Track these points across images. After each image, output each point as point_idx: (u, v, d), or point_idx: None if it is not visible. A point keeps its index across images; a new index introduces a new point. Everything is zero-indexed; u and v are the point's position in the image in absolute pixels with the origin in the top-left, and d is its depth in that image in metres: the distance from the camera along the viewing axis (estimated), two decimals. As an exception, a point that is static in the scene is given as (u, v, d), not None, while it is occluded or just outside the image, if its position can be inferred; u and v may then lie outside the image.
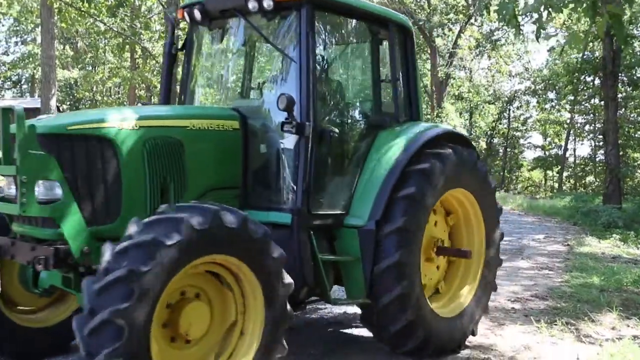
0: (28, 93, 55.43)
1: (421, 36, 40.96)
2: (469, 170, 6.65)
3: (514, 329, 7.61)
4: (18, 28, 51.55)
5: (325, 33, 6.72)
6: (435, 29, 40.51)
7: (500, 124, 52.24)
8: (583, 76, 36.78)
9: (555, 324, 7.66)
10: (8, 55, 57.40)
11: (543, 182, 54.25)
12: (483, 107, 50.46)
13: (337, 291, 7.02)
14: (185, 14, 6.35)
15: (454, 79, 46.10)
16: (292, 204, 5.62)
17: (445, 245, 6.80)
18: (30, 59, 46.74)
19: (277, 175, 5.99)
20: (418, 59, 42.81)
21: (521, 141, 54.00)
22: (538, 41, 7.37)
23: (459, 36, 41.19)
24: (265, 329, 4.80)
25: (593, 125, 46.63)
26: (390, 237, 5.79)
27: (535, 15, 6.94)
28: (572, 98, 42.06)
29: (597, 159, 45.58)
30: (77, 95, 50.08)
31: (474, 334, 6.83)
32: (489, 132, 52.16)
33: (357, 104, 7.38)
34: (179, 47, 6.83)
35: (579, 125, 48.21)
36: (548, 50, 41.30)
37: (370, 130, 6.58)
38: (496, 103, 50.62)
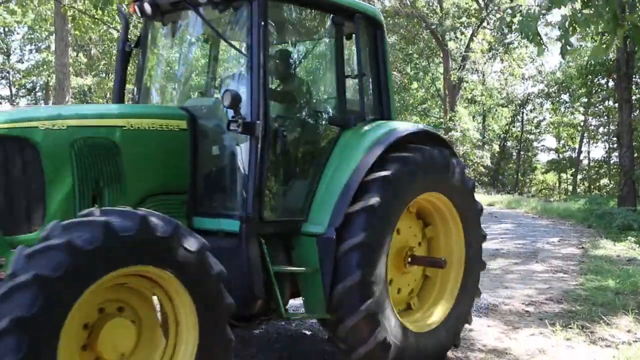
0: (42, 100, 55.75)
1: (434, 40, 40.95)
2: (441, 172, 6.15)
3: (528, 332, 7.59)
4: (32, 36, 51.87)
5: (282, 25, 6.45)
6: (447, 33, 40.43)
7: (513, 127, 52.08)
8: (597, 78, 36.61)
9: (570, 327, 7.64)
10: (23, 62, 57.81)
11: (557, 184, 54.02)
12: (496, 110, 50.24)
13: (301, 307, 6.62)
14: (136, 8, 5.98)
15: (467, 82, 45.92)
16: (241, 211, 5.21)
17: (417, 253, 6.30)
18: (45, 67, 46.95)
19: (227, 179, 5.69)
20: (431, 62, 42.85)
21: (535, 144, 53.87)
22: (564, 58, 7.36)
23: (471, 39, 41.09)
24: (199, 355, 4.24)
25: (607, 127, 46.44)
26: (352, 253, 5.31)
27: (558, 32, 6.92)
28: (586, 100, 41.97)
29: (612, 161, 45.39)
30: (91, 102, 50.39)
31: (456, 345, 6.55)
32: (502, 136, 52.00)
33: (318, 101, 6.89)
34: (133, 44, 6.39)
35: (593, 127, 48.05)
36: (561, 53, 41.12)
37: (332, 130, 6.19)
38: (509, 106, 50.44)
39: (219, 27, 5.81)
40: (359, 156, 5.68)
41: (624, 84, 23.00)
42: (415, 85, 46.60)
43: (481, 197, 33.60)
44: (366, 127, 6.06)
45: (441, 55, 42.45)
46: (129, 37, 6.42)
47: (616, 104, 27.85)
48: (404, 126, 6.26)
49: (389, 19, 38.01)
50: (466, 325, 7.54)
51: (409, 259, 6.13)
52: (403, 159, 5.75)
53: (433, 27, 39.10)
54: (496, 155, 50.28)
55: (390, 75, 6.75)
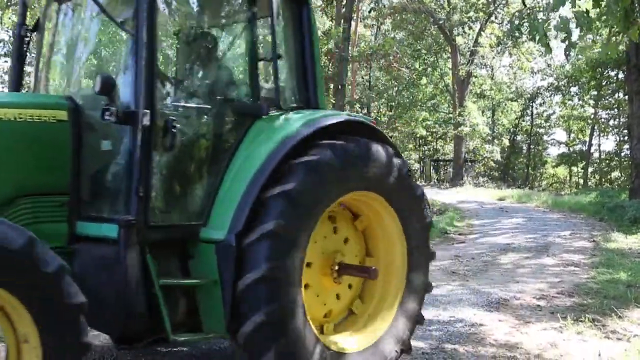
0: None
1: (442, 35, 40.87)
2: (382, 170, 5.38)
3: (540, 326, 7.56)
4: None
5: (186, 3, 5.87)
6: (455, 28, 40.37)
7: (523, 121, 51.92)
8: (606, 70, 36.51)
9: (582, 321, 7.60)
10: (32, 65, 57.64)
11: (568, 178, 53.80)
12: (505, 104, 50.14)
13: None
14: None
15: (476, 77, 45.87)
16: (122, 214, 4.48)
17: (351, 260, 5.63)
18: None
19: (111, 178, 4.97)
20: (439, 58, 42.80)
21: (545, 138, 53.64)
22: (567, 59, 7.31)
23: (479, 34, 41.00)
24: None
25: (617, 119, 46.19)
26: (258, 244, 4.54)
27: (564, 34, 6.91)
28: (596, 93, 41.79)
29: (623, 154, 45.11)
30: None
31: (405, 351, 5.74)
32: (512, 130, 51.84)
33: (226, 88, 5.82)
34: (31, 28, 5.75)
35: (603, 120, 47.79)
36: (571, 47, 40.94)
37: (241, 121, 5.30)
38: (519, 100, 50.33)
39: (110, 6, 5.09)
40: (272, 146, 4.94)
41: (633, 76, 22.84)
42: (424, 80, 46.52)
43: (492, 191, 33.61)
44: (281, 117, 5.31)
45: (449, 50, 42.41)
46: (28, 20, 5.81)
47: (626, 96, 27.66)
48: (326, 116, 5.40)
49: (396, 15, 37.97)
50: (476, 320, 7.57)
51: (337, 268, 5.40)
52: (334, 146, 5.01)
53: (441, 22, 39.06)
54: (506, 149, 50.16)
55: (319, 59, 5.96)
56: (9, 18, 30.54)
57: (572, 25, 6.87)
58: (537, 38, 7.10)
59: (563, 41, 7.06)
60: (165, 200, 4.90)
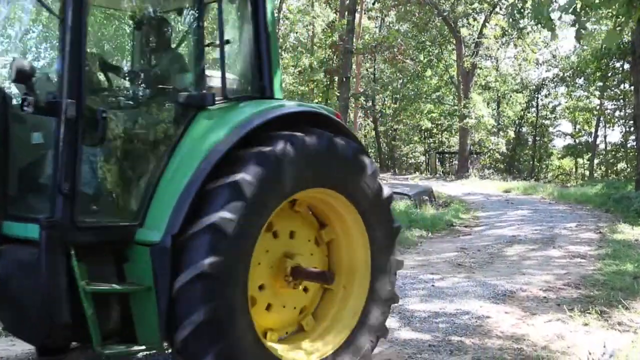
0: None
1: (446, 27, 40.74)
2: (344, 168, 4.98)
3: (546, 318, 7.55)
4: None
5: None
6: (460, 19, 40.22)
7: (528, 112, 51.76)
8: (612, 61, 36.33)
9: (589, 313, 7.59)
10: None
11: (574, 170, 53.66)
12: (511, 96, 49.99)
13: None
14: None
15: (481, 68, 45.68)
16: (45, 213, 4.11)
17: (311, 263, 5.23)
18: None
19: (38, 174, 4.62)
20: (444, 49, 42.67)
21: (550, 129, 53.46)
22: (579, 42, 7.23)
23: (484, 25, 40.84)
24: None
25: (623, 110, 45.97)
26: (197, 239, 4.13)
27: (572, 17, 6.85)
28: (601, 84, 41.59)
29: (629, 145, 44.93)
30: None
31: None
32: (517, 122, 51.70)
33: (165, 76, 5.41)
34: None
35: (609, 111, 47.60)
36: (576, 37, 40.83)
37: (184, 112, 4.85)
38: (524, 92, 50.16)
39: None
40: (218, 137, 4.54)
41: (639, 67, 22.74)
42: (428, 72, 46.41)
43: (497, 183, 33.54)
44: (229, 108, 4.92)
45: (454, 42, 42.23)
46: None
47: (632, 87, 27.53)
48: (280, 106, 5.00)
49: (400, 6, 37.86)
50: (483, 312, 7.55)
51: (290, 271, 4.96)
52: (288, 138, 4.61)
53: (445, 13, 38.88)
54: (511, 141, 50.02)
55: (276, 45, 5.51)
56: None
57: (578, 7, 6.82)
58: (543, 22, 7.03)
59: (573, 25, 7.00)
60: (95, 199, 4.55)
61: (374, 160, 5.23)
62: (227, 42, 4.99)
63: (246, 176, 4.26)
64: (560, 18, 8.56)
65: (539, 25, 7.44)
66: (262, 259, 4.81)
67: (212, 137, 4.53)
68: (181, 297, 4.08)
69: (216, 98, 4.86)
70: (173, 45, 5.64)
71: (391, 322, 7.15)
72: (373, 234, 5.30)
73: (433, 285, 9.34)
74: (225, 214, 4.14)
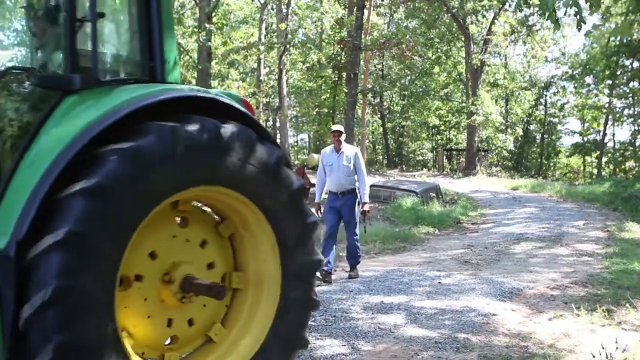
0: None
1: (455, 24, 40.65)
2: (239, 161, 4.17)
3: (553, 316, 7.52)
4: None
5: None
6: (468, 16, 40.14)
7: (536, 110, 51.59)
8: (621, 59, 36.18)
9: (596, 311, 7.55)
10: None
11: (582, 168, 53.47)
12: (519, 93, 49.86)
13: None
14: None
15: (489, 66, 45.60)
16: None
17: (195, 277, 4.29)
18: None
19: None
20: (452, 46, 42.72)
21: (558, 127, 53.27)
22: (579, 30, 7.18)
23: (493, 22, 40.75)
24: None
25: (632, 109, 45.80)
26: (47, 257, 3.35)
27: (575, 9, 6.84)
28: (610, 82, 41.40)
29: (637, 144, 44.78)
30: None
31: None
32: (525, 119, 51.55)
33: (23, 54, 4.80)
34: None
35: (617, 109, 47.40)
36: (585, 35, 40.66)
37: (45, 97, 4.01)
38: (532, 89, 50.03)
39: None
40: (78, 127, 3.71)
41: (649, 65, 22.64)
42: (437, 69, 46.33)
43: (505, 181, 33.47)
44: (100, 93, 4.02)
45: (463, 39, 42.16)
46: None
47: (641, 85, 27.43)
48: (162, 91, 4.10)
49: (409, 3, 37.80)
50: (489, 310, 7.54)
51: (180, 285, 4.20)
52: (161, 129, 3.81)
53: (454, 10, 38.80)
54: (519, 139, 49.90)
55: (169, 20, 4.62)
56: None
57: (582, 1, 6.80)
58: (547, 14, 7.01)
59: (575, 15, 6.98)
60: None
61: (280, 146, 4.53)
62: (101, 15, 4.05)
63: (103, 180, 3.49)
64: (566, 13, 8.53)
65: (543, 18, 7.38)
66: (145, 272, 4.10)
67: (72, 127, 3.71)
68: (31, 324, 3.36)
69: (93, 80, 4.01)
70: (40, 19, 4.58)
71: (397, 319, 7.17)
72: (281, 233, 4.51)
73: (439, 282, 9.33)
74: (78, 228, 3.39)
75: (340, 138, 9.84)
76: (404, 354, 6.15)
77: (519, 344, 6.47)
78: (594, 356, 5.37)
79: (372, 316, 7.43)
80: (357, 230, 10.04)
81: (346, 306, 7.86)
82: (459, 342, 6.48)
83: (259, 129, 4.42)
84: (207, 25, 22.42)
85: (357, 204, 9.89)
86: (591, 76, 44.42)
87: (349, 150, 9.92)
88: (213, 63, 26.35)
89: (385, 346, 6.35)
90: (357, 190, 9.89)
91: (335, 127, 10.17)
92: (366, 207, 9.92)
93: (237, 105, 4.44)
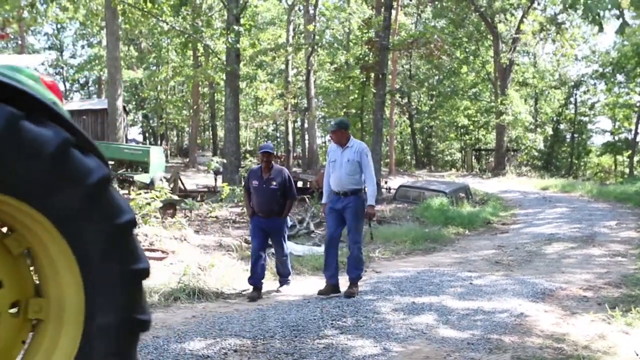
0: (95, 94, 57.08)
1: (483, 23, 40.41)
2: (19, 160, 2.78)
3: (587, 317, 7.44)
4: (84, 32, 53.08)
5: None
6: (497, 15, 39.87)
7: (566, 109, 51.10)
8: (653, 57, 35.68)
9: (630, 312, 7.46)
10: (75, 58, 59.44)
11: (613, 167, 52.84)
12: (548, 92, 49.44)
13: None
14: None
15: (518, 65, 45.28)
16: None
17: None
18: (97, 61, 48.07)
19: None
20: (480, 45, 42.56)
21: (589, 126, 52.71)
22: (622, 35, 7.08)
23: (521, 21, 40.44)
24: None
25: (665, 107, 45.19)
26: None
27: (617, 11, 6.78)
28: (642, 80, 40.91)
29: (670, 142, 44.17)
30: (142, 95, 51.28)
31: None
32: (555, 118, 51.07)
33: None
34: None
35: (649, 107, 46.80)
36: (616, 32, 40.24)
37: None
38: (562, 88, 49.55)
39: None
40: None
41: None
42: (465, 69, 46.11)
43: (535, 181, 33.19)
44: None
45: (491, 38, 41.90)
46: None
47: (674, 83, 27.04)
48: None
49: (437, 2, 37.66)
50: (522, 310, 7.49)
51: None
52: None
53: (482, 9, 38.58)
54: (549, 138, 49.47)
55: None
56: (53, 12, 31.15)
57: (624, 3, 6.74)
58: (591, 17, 6.94)
59: (618, 18, 6.90)
60: None
61: (62, 131, 2.93)
62: None
63: None
64: (604, 17, 8.44)
65: (587, 21, 7.30)
66: None
67: None
68: None
69: None
70: None
71: (429, 320, 7.13)
72: (79, 244, 3.15)
73: (471, 283, 9.28)
74: None
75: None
76: (436, 355, 6.11)
77: (552, 345, 6.40)
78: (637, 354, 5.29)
79: (403, 317, 7.40)
80: (361, 239, 8.79)
81: (377, 307, 7.84)
82: (491, 343, 6.43)
83: (59, 118, 3.03)
84: (235, 27, 22.56)
85: (363, 207, 8.66)
86: (622, 74, 43.87)
87: (356, 146, 8.71)
88: (241, 65, 26.46)
89: (416, 347, 6.32)
90: (363, 192, 8.71)
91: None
92: (371, 211, 8.66)
93: (41, 99, 3.00)
